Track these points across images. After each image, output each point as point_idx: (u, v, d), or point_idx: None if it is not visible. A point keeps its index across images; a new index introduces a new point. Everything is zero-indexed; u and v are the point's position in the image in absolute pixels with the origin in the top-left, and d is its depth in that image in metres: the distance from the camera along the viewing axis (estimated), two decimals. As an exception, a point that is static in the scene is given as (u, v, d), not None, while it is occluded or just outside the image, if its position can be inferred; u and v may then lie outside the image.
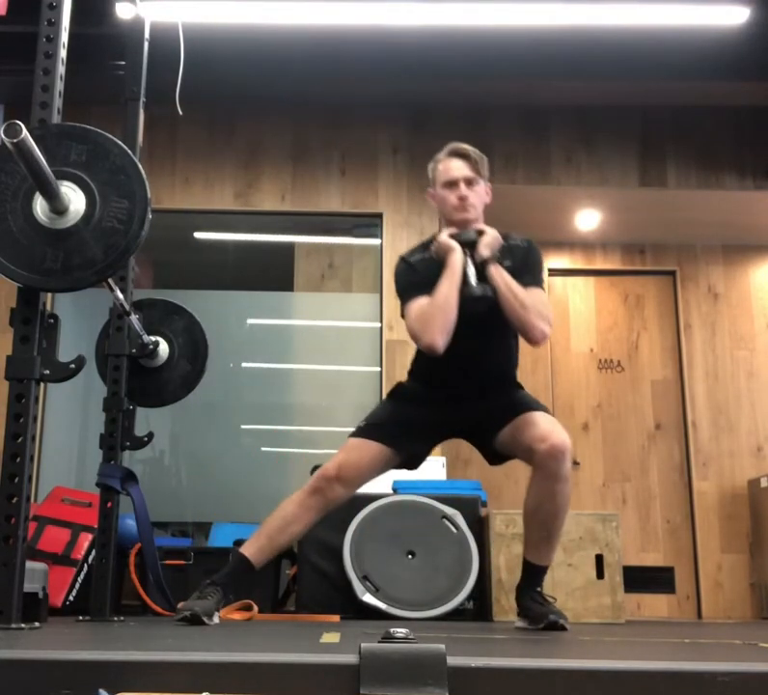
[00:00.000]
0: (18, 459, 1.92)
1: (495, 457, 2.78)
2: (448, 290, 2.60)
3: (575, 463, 5.60)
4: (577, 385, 5.76)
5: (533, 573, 2.66)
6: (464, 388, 2.75)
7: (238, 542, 4.08)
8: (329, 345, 5.23)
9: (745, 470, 5.53)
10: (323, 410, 5.13)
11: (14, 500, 1.89)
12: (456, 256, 2.65)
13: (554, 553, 2.70)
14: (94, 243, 1.98)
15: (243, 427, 5.18)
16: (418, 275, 2.71)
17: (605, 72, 4.75)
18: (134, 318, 2.92)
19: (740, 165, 5.29)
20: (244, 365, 5.26)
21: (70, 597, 3.68)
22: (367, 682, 1.01)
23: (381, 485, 4.08)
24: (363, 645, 1.03)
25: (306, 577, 3.86)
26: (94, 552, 3.10)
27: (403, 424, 2.73)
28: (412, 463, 2.81)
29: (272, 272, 5.51)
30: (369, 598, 3.64)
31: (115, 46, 3.71)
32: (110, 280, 2.39)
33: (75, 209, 1.99)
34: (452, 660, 1.02)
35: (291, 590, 4.18)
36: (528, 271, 2.70)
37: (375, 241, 5.26)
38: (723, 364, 5.72)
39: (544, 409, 2.71)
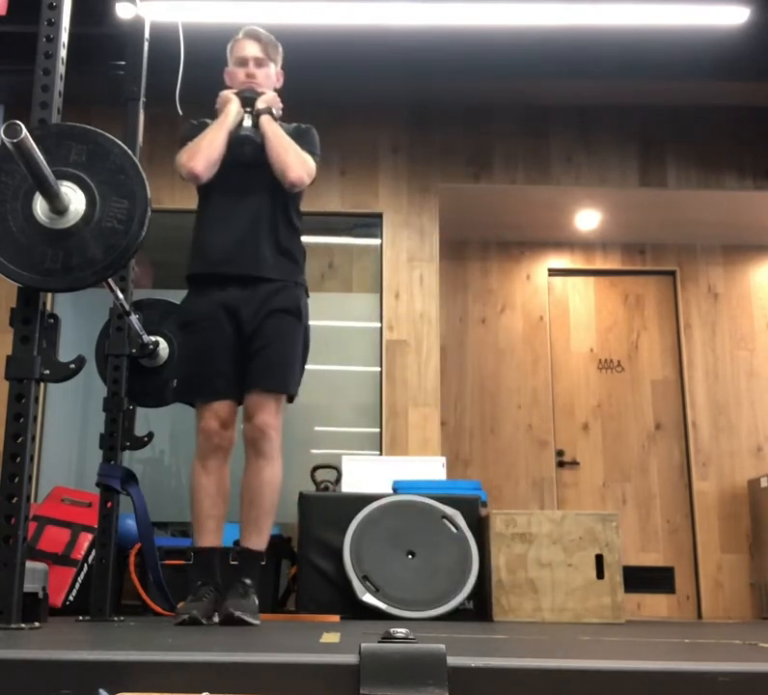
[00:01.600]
0: (18, 459, 1.92)
1: None
2: (216, 129, 2.80)
3: (575, 463, 5.60)
4: (577, 385, 5.76)
5: (241, 558, 2.67)
6: (237, 259, 2.75)
7: (238, 542, 4.09)
8: (329, 345, 5.22)
9: (745, 470, 5.53)
10: (323, 410, 5.13)
11: (14, 500, 1.89)
12: (232, 105, 2.85)
13: (264, 538, 2.71)
14: (94, 243, 1.98)
15: (243, 426, 5.17)
16: (200, 133, 2.84)
17: (605, 72, 4.75)
18: (134, 318, 2.92)
19: (740, 165, 5.29)
20: (244, 365, 5.25)
21: (70, 597, 3.68)
22: (367, 682, 1.00)
23: (381, 485, 4.08)
24: (363, 645, 1.03)
25: (306, 577, 3.85)
26: (94, 552, 3.10)
27: (213, 370, 2.72)
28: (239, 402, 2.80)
29: (272, 272, 5.50)
30: (369, 598, 3.64)
31: (115, 46, 3.71)
32: (110, 280, 2.39)
33: (75, 209, 1.99)
34: (452, 660, 1.02)
35: (291, 590, 4.18)
36: (301, 141, 2.85)
37: (375, 241, 5.26)
38: (723, 364, 5.72)
39: (278, 382, 2.72)
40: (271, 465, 2.69)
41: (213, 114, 2.91)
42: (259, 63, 2.93)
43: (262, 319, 2.72)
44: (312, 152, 2.85)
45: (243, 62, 2.93)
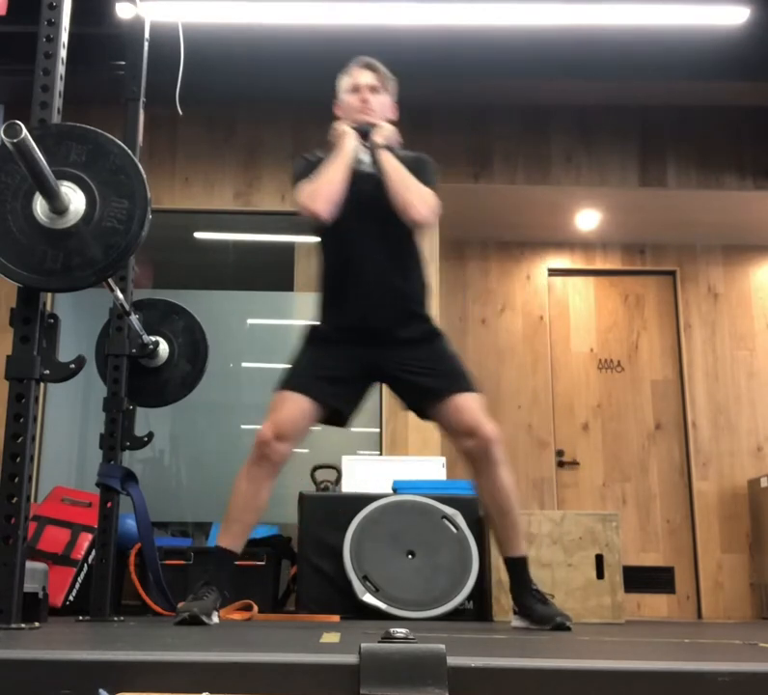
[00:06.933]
0: (18, 459, 1.92)
1: (421, 414, 2.76)
2: (335, 168, 2.67)
3: (575, 463, 5.60)
4: (577, 385, 5.76)
5: (517, 568, 2.66)
6: (374, 313, 2.68)
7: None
8: (329, 345, 5.22)
9: (745, 470, 5.53)
10: (323, 410, 5.12)
11: (14, 500, 1.89)
12: (349, 140, 2.74)
13: (523, 540, 2.69)
14: (94, 243, 1.98)
15: (243, 427, 5.18)
16: (314, 169, 2.75)
17: (605, 72, 4.75)
18: (134, 318, 2.92)
19: (740, 165, 5.29)
20: (244, 365, 5.26)
21: (70, 597, 3.68)
22: (367, 682, 1.00)
23: (381, 485, 4.08)
24: (363, 645, 1.03)
25: (306, 577, 3.85)
26: (94, 552, 3.10)
27: (323, 373, 2.66)
28: (337, 420, 2.73)
29: (272, 272, 5.50)
30: (369, 598, 3.64)
31: (115, 46, 3.71)
32: (110, 280, 2.40)
33: (75, 209, 1.99)
34: (452, 660, 1.02)
35: (291, 590, 4.18)
36: (420, 173, 2.75)
37: (375, 241, 5.25)
38: (723, 364, 5.72)
39: (469, 385, 2.70)
40: (507, 469, 2.61)
41: (324, 145, 2.80)
42: (373, 90, 2.83)
43: (413, 346, 2.67)
44: (430, 184, 2.73)
45: (356, 89, 2.84)
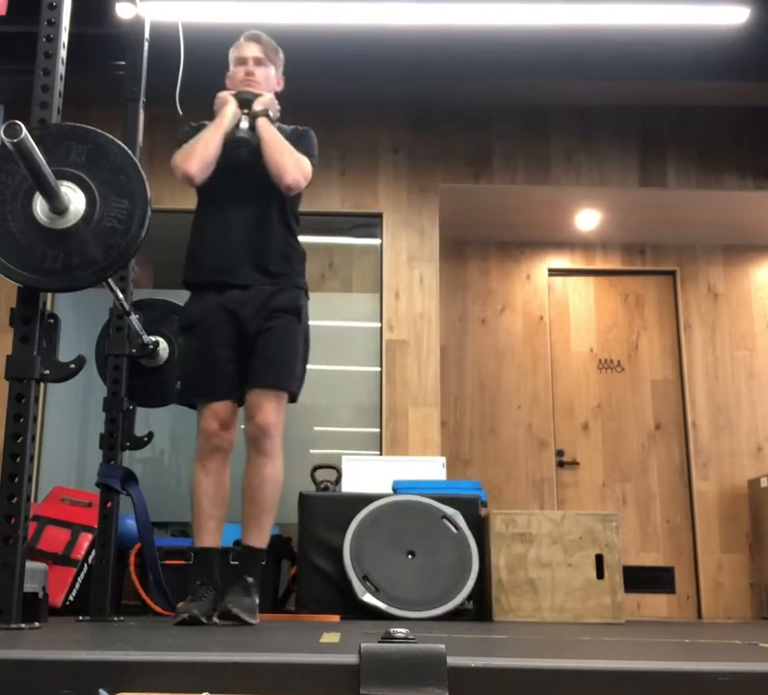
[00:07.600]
0: (18, 459, 1.92)
1: None
2: (211, 130, 2.82)
3: (575, 463, 5.60)
4: (577, 385, 5.76)
5: (242, 556, 2.70)
6: (232, 269, 2.75)
7: (238, 542, 4.09)
8: (329, 345, 5.22)
9: (745, 470, 5.53)
10: (323, 410, 5.12)
11: (14, 500, 1.89)
12: (229, 107, 2.85)
13: (264, 535, 2.71)
14: (94, 243, 1.98)
15: (243, 427, 5.18)
16: (198, 133, 2.85)
17: (605, 72, 4.75)
18: (134, 318, 2.92)
19: (740, 165, 5.29)
20: (244, 365, 5.25)
21: (70, 597, 3.68)
22: (367, 682, 1.00)
23: (381, 485, 4.08)
24: (363, 645, 1.03)
25: (306, 577, 3.85)
26: (94, 552, 3.10)
27: (216, 373, 2.73)
28: (239, 404, 2.81)
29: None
30: (369, 598, 3.64)
31: (115, 46, 3.72)
32: (110, 280, 2.40)
33: (75, 209, 1.99)
34: (452, 660, 1.02)
35: (291, 590, 4.18)
36: (298, 143, 2.85)
37: (375, 241, 5.26)
38: (723, 364, 5.72)
39: (278, 381, 2.71)
40: (272, 463, 2.69)
41: (212, 115, 2.90)
42: (258, 62, 2.94)
43: (263, 320, 2.72)
44: (309, 154, 2.84)
45: (243, 61, 2.94)
